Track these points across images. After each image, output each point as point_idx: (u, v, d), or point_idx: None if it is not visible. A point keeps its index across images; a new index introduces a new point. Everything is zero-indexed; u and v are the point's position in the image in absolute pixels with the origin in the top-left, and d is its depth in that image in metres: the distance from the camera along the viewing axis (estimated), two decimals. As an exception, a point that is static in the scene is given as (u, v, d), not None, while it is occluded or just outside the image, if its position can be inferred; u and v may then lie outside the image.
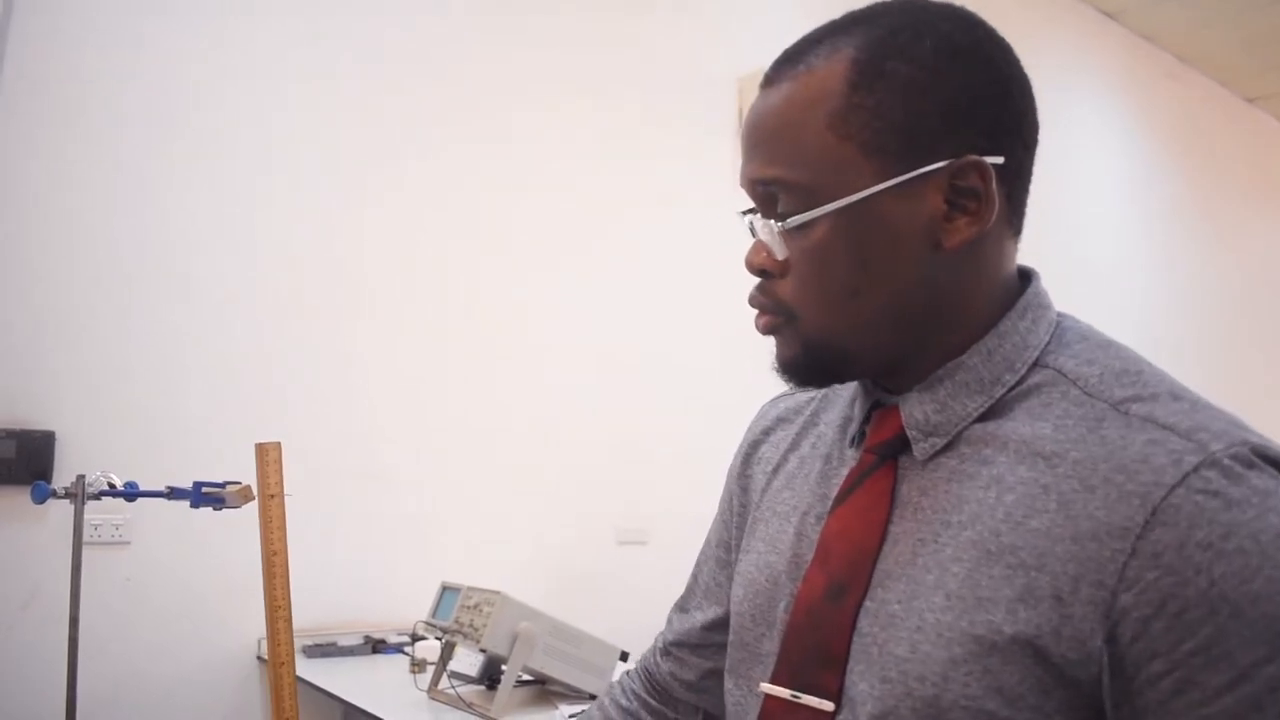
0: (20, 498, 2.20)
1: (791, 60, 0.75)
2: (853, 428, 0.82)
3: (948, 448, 0.74)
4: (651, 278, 3.46)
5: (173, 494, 1.38)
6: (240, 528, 2.23)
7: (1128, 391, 0.69)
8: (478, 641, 2.12)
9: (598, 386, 3.32)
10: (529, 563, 3.09)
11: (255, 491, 1.00)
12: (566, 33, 3.36)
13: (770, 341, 0.79)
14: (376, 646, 2.71)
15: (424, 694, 2.26)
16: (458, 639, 2.20)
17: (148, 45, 2.62)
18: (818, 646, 0.74)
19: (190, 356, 2.63)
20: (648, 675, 1.06)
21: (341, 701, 2.28)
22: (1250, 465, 0.63)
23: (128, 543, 2.52)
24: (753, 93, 0.76)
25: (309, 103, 2.86)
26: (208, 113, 2.70)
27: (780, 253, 0.74)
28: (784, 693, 0.75)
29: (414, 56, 3.06)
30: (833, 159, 0.71)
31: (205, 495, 1.24)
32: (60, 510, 2.33)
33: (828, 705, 0.72)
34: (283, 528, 1.05)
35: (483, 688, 2.28)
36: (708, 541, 1.02)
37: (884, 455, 0.77)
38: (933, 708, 0.66)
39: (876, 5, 0.76)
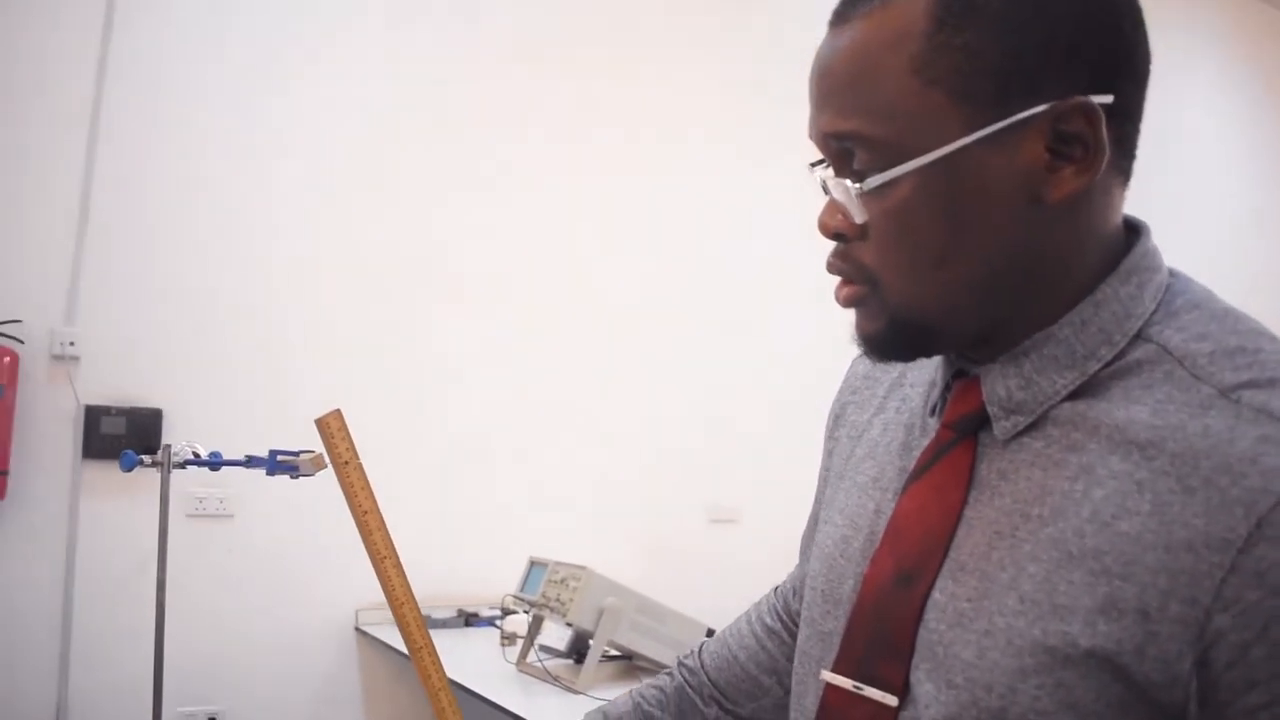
0: (133, 473, 2.31)
1: None
2: (934, 396, 0.74)
3: (1032, 427, 0.66)
4: (744, 255, 3.42)
5: (250, 462, 1.43)
6: (339, 502, 2.31)
7: (1242, 375, 0.60)
8: (564, 616, 2.14)
9: (691, 365, 3.31)
10: (621, 540, 3.10)
11: (327, 461, 1.01)
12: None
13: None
14: (469, 620, 2.76)
15: (512, 666, 2.29)
16: (545, 613, 2.22)
17: (246, 60, 2.70)
18: (882, 636, 0.68)
19: (292, 338, 2.71)
20: (785, 603, 1.04)
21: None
22: None
23: (231, 515, 2.61)
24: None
25: (395, 97, 2.91)
26: (306, 118, 2.77)
27: (859, 215, 0.66)
28: (846, 683, 0.70)
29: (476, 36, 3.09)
30: (917, 108, 0.62)
31: (280, 463, 1.27)
32: (171, 483, 2.44)
33: (891, 700, 0.66)
34: (367, 488, 1.07)
35: (570, 662, 2.30)
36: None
37: (962, 431, 0.69)
38: (1000, 719, 0.61)
39: None
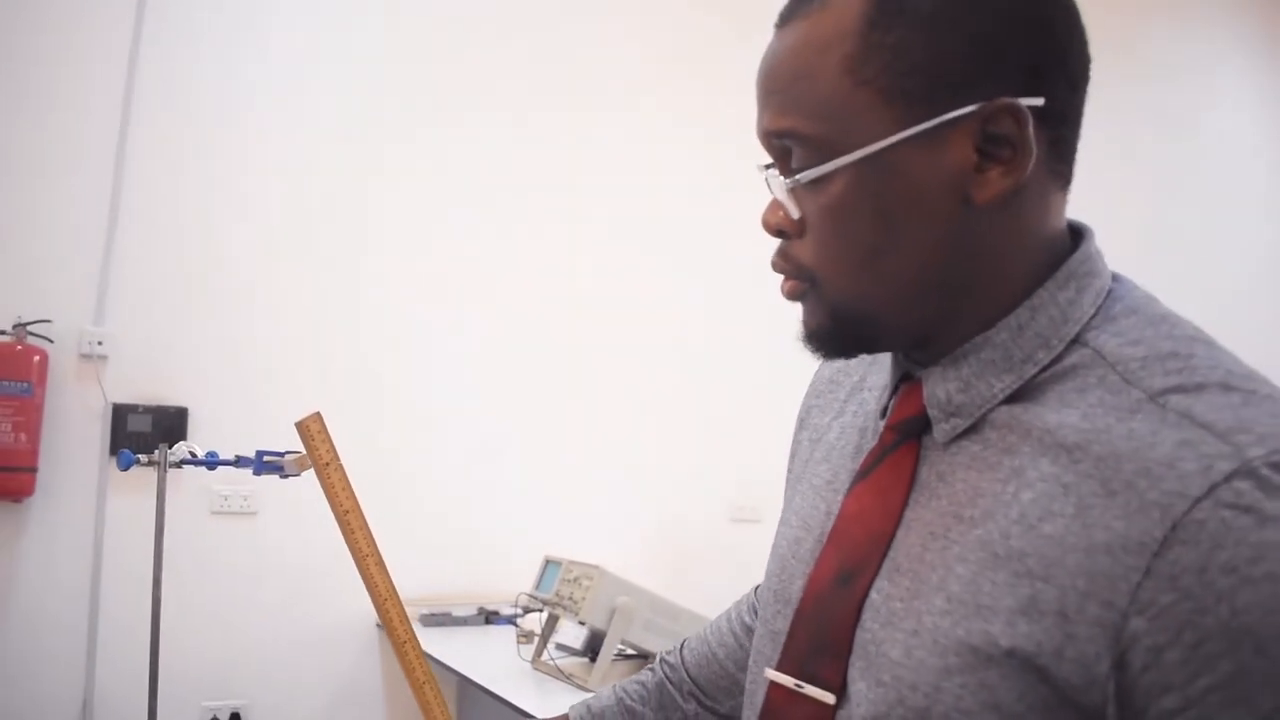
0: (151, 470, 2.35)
1: None
2: (883, 398, 0.76)
3: (972, 430, 0.67)
4: (766, 253, 3.40)
5: (239, 462, 1.46)
6: (360, 499, 2.34)
7: (1170, 380, 0.60)
8: (577, 614, 2.14)
9: (711, 361, 3.30)
10: (644, 539, 3.11)
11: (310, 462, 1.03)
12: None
13: None
14: (489, 618, 2.78)
15: (528, 664, 2.30)
16: (558, 611, 2.23)
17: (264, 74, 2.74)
18: (822, 635, 0.69)
19: (317, 339, 2.75)
20: None
21: (449, 668, 2.35)
22: None
23: (255, 513, 2.65)
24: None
25: (402, 103, 2.94)
26: (330, 119, 2.80)
27: (794, 211, 0.68)
28: (788, 681, 0.71)
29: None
30: (850, 107, 0.64)
31: (266, 463, 1.31)
32: (191, 481, 2.48)
33: (829, 698, 0.67)
34: (347, 488, 1.09)
35: (586, 660, 2.31)
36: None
37: (905, 434, 0.71)
38: (924, 718, 0.61)
39: None
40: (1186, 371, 0.61)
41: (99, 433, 2.51)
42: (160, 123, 2.60)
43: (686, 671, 1.06)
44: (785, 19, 0.69)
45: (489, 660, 2.34)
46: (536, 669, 2.29)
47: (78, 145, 2.52)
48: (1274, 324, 4.69)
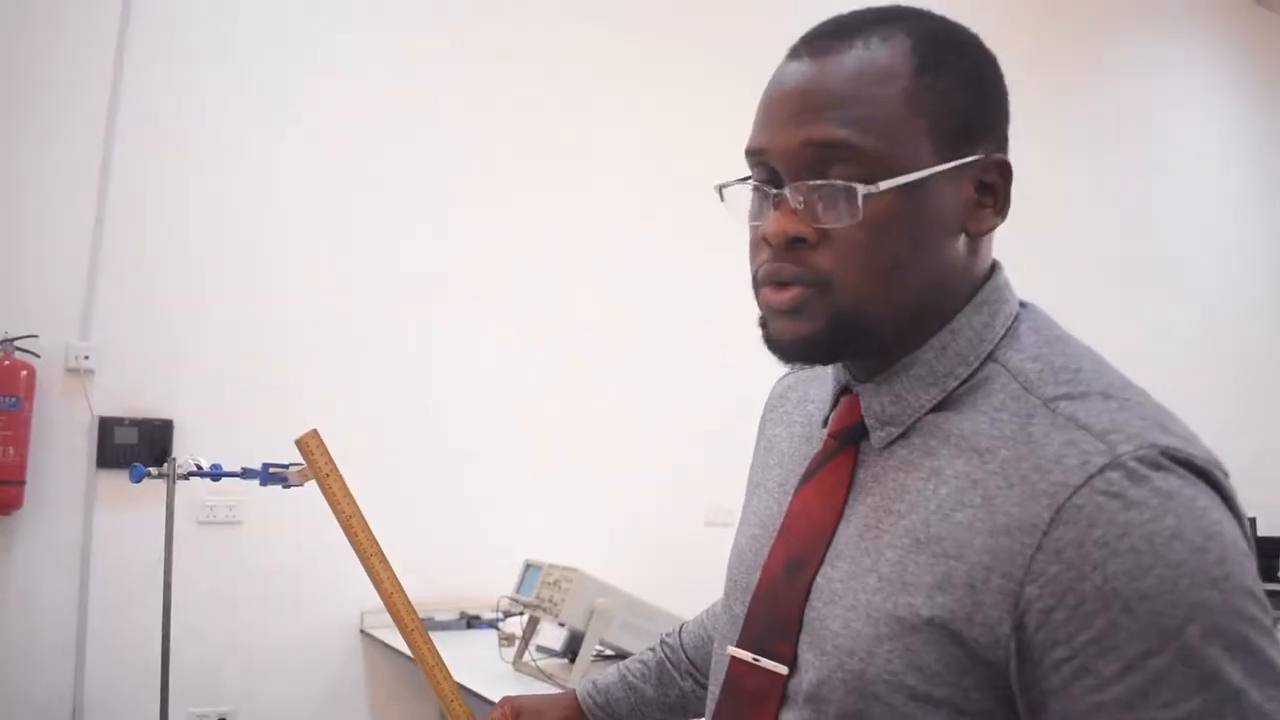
0: (144, 482, 2.40)
1: (844, 35, 0.75)
2: (825, 410, 0.87)
3: (902, 436, 0.78)
4: (739, 260, 3.48)
5: (245, 474, 1.53)
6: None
7: (1060, 389, 0.73)
8: (556, 616, 2.22)
9: (688, 367, 3.38)
10: (621, 543, 3.17)
11: (311, 474, 1.10)
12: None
13: None
14: (471, 622, 2.84)
15: (509, 666, 2.37)
16: (539, 614, 2.30)
17: (255, 70, 2.80)
18: (775, 616, 0.80)
19: (298, 350, 2.80)
20: None
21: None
22: (1157, 467, 0.66)
23: (240, 522, 2.70)
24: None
25: (398, 116, 3.00)
26: (316, 137, 2.86)
27: (844, 219, 0.73)
28: (746, 656, 0.82)
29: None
30: (906, 133, 0.73)
31: (271, 475, 1.38)
32: (179, 493, 2.53)
33: (782, 669, 0.78)
34: (348, 495, 1.16)
35: (565, 661, 2.38)
36: None
37: (845, 441, 0.82)
38: (859, 679, 0.72)
39: (903, 7, 0.79)
40: (1074, 382, 0.73)
41: (85, 446, 2.55)
42: (144, 137, 2.64)
43: (685, 652, 1.17)
44: (820, 48, 0.76)
45: (472, 663, 2.40)
46: (518, 670, 2.36)
47: (62, 160, 2.56)
48: (1246, 317, 4.83)
